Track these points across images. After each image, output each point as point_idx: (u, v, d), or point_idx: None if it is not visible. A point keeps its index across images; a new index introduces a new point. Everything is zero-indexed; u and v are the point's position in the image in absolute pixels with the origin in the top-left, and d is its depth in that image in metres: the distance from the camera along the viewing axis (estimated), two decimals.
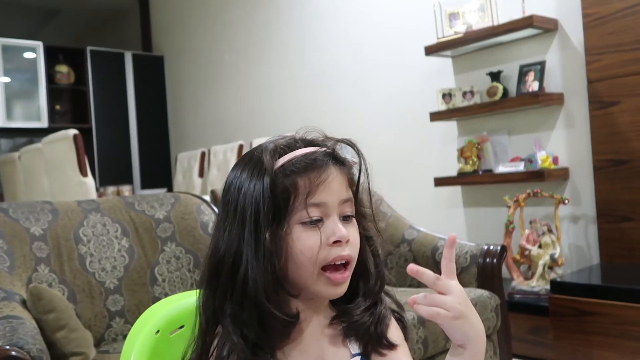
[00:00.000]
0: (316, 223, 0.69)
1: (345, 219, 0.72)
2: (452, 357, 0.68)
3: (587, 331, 2.24)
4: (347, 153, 0.75)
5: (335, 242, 0.69)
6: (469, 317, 0.66)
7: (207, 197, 2.80)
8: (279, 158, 0.70)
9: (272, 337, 0.69)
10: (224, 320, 0.69)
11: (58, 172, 3.25)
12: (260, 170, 0.69)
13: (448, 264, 0.68)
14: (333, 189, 0.70)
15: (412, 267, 0.66)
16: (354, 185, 0.74)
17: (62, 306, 1.50)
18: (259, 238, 0.67)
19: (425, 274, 0.67)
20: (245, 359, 0.67)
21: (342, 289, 0.71)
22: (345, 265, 0.70)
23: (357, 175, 0.74)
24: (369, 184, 0.75)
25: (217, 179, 4.33)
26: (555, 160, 2.84)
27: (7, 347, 1.17)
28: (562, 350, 2.33)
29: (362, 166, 0.74)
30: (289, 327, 0.70)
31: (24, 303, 1.49)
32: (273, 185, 0.68)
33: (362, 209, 0.76)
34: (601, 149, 2.63)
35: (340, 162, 0.73)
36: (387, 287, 0.78)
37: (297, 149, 0.72)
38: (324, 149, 0.73)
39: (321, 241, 0.68)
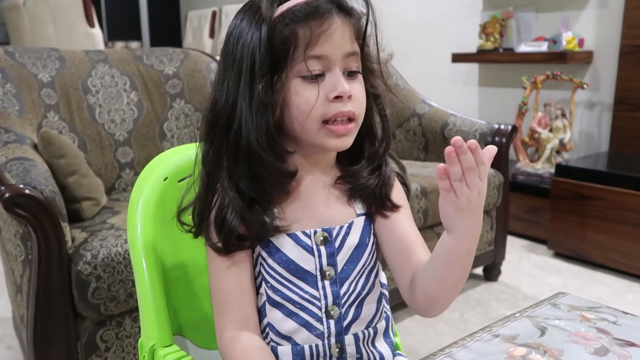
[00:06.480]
0: (316, 77, 0.65)
1: (350, 74, 0.67)
2: (441, 242, 0.62)
3: (583, 214, 2.29)
4: (356, 2, 0.68)
5: (336, 97, 0.65)
6: (472, 215, 0.58)
7: (218, 58, 2.74)
8: (278, 6, 0.65)
9: (267, 191, 0.68)
10: (221, 173, 0.69)
11: (65, 21, 3.14)
12: (259, 19, 0.65)
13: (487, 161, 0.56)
14: (336, 40, 0.65)
15: (457, 140, 0.54)
16: (360, 38, 0.68)
17: (73, 152, 1.52)
18: (253, 90, 0.64)
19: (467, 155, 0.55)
20: (241, 213, 0.67)
21: (346, 141, 0.68)
22: (349, 120, 0.67)
23: (365, 27, 0.67)
24: (377, 37, 0.69)
25: None
26: (580, 42, 2.71)
27: (21, 185, 1.20)
28: (556, 230, 2.40)
29: (370, 16, 0.67)
30: (283, 182, 0.68)
31: (35, 147, 1.51)
32: (271, 36, 0.64)
33: (369, 65, 0.70)
34: (631, 33, 2.50)
35: (346, 11, 0.66)
36: (391, 151, 0.75)
37: None
38: None
39: (318, 96, 0.65)
